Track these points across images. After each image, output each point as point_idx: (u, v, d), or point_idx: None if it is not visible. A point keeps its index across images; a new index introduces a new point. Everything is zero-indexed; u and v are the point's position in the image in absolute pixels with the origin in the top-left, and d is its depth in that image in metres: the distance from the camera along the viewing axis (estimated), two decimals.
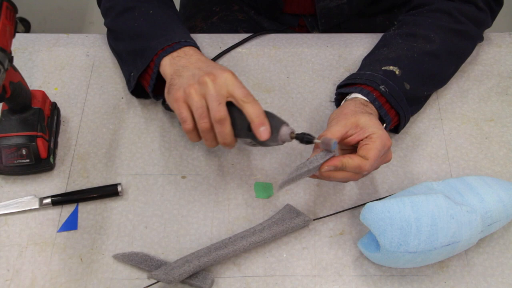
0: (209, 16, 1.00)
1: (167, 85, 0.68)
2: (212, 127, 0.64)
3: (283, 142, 0.63)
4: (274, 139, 0.63)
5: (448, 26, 0.76)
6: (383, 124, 0.70)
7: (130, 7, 0.77)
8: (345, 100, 0.72)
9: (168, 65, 0.70)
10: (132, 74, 0.76)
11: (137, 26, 0.76)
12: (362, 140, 0.64)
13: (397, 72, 0.72)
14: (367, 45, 0.87)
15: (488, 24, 0.81)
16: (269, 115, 0.63)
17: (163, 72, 0.70)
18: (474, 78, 0.84)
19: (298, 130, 0.64)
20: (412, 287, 0.66)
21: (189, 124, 0.65)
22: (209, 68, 0.66)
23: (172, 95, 0.65)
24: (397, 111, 0.71)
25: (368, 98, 0.70)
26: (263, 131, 0.61)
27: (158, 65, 0.71)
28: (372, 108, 0.69)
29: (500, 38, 0.88)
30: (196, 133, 0.66)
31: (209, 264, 0.65)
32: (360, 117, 0.65)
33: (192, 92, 0.63)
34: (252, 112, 0.61)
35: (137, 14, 0.76)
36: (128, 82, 0.78)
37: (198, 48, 0.74)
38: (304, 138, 0.62)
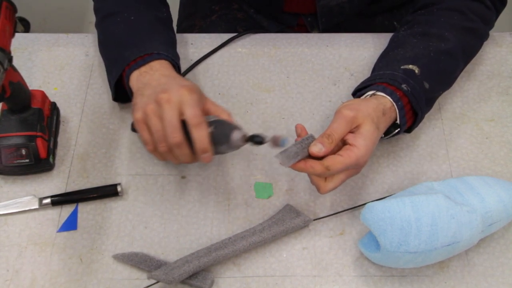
0: (208, 14, 1.00)
1: (132, 103, 0.68)
2: (171, 149, 0.64)
3: (238, 147, 0.63)
4: (228, 146, 0.63)
5: (460, 24, 0.75)
6: (393, 131, 0.69)
7: (114, 12, 0.77)
8: (365, 96, 0.70)
9: (135, 80, 0.70)
10: (110, 80, 0.75)
11: (117, 33, 0.75)
12: (345, 143, 0.64)
13: (416, 71, 0.70)
14: (367, 45, 0.87)
15: (493, 23, 0.81)
16: (218, 124, 0.63)
17: (131, 86, 0.70)
18: (475, 78, 0.84)
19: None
20: (412, 287, 0.66)
21: (150, 146, 0.65)
22: (168, 85, 0.65)
23: (134, 115, 0.65)
24: (416, 111, 0.70)
25: (391, 98, 0.67)
26: (204, 158, 0.62)
27: (128, 77, 0.71)
28: (388, 117, 0.67)
29: (500, 38, 0.88)
30: (160, 154, 0.66)
31: (209, 264, 0.65)
32: (366, 124, 0.64)
33: (149, 113, 0.63)
34: (196, 137, 0.61)
35: (119, 20, 0.76)
36: (110, 89, 0.77)
37: (172, 60, 0.73)
38: (254, 139, 0.61)
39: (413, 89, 0.69)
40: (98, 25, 0.80)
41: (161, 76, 0.68)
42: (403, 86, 0.68)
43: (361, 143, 0.63)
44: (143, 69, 0.70)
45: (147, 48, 0.71)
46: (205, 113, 0.65)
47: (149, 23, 0.76)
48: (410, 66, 0.70)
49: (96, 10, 0.80)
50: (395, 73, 0.70)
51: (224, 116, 0.66)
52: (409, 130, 0.75)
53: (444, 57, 0.73)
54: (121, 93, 0.76)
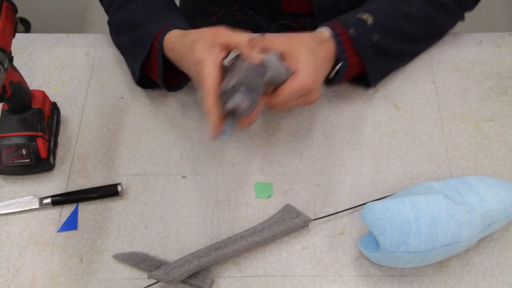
0: (207, 15, 1.00)
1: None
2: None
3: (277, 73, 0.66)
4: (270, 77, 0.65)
5: None
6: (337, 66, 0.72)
7: (127, 0, 0.78)
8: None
9: (174, 39, 0.70)
10: (135, 65, 0.76)
11: (135, 16, 0.76)
12: None
13: (370, 21, 0.73)
14: None
15: (470, 4, 0.83)
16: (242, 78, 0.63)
17: (169, 47, 0.70)
18: (474, 78, 0.84)
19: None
20: (412, 287, 0.66)
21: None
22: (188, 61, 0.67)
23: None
24: (362, 56, 0.73)
25: (331, 31, 0.71)
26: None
27: (161, 48, 0.71)
28: (327, 47, 0.71)
29: (500, 38, 0.88)
30: None
31: (209, 264, 0.65)
32: (301, 51, 0.67)
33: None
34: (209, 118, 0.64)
35: (134, 7, 0.77)
36: (133, 74, 0.78)
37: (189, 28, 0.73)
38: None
39: (359, 34, 0.72)
40: (113, 17, 0.81)
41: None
42: (350, 30, 0.72)
43: (303, 68, 0.65)
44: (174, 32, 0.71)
45: (169, 22, 0.72)
46: (227, 48, 0.65)
47: (164, 2, 0.78)
48: (365, 16, 0.73)
49: (108, 6, 0.81)
50: (348, 17, 0.74)
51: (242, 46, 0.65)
52: (366, 82, 0.79)
53: (404, 18, 0.76)
54: (143, 79, 0.78)
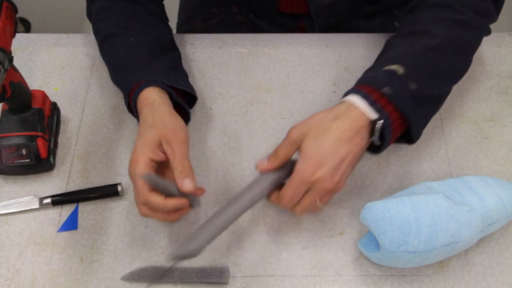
0: (208, 17, 1.00)
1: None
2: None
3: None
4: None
5: (448, 18, 0.71)
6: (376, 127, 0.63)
7: (111, 34, 0.76)
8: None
9: (140, 110, 0.69)
10: (122, 98, 0.76)
11: (116, 57, 0.76)
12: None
13: (401, 71, 0.66)
14: (367, 45, 0.87)
15: (493, 15, 0.76)
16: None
17: (140, 105, 0.69)
18: (474, 78, 0.84)
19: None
20: (412, 287, 0.66)
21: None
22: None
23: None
24: (403, 112, 0.64)
25: (367, 100, 0.63)
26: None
27: (135, 102, 0.70)
28: (346, 119, 0.62)
29: (500, 38, 0.88)
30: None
31: (224, 226, 0.62)
32: (305, 140, 0.62)
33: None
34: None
35: (117, 43, 0.75)
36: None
37: (166, 85, 0.70)
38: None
39: (397, 92, 0.63)
40: (100, 47, 0.80)
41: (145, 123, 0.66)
42: (385, 89, 0.63)
43: (302, 160, 0.61)
44: (141, 101, 0.69)
45: (144, 74, 0.70)
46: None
47: (146, 45, 0.75)
48: (393, 67, 0.66)
49: (95, 32, 0.80)
50: (375, 75, 0.66)
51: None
52: (410, 139, 0.69)
53: (433, 53, 0.68)
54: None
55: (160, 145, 0.64)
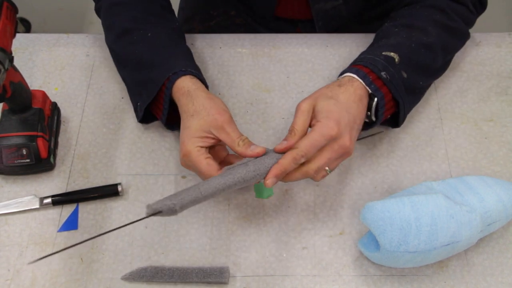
0: (206, 19, 1.00)
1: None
2: None
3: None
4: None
5: (442, 22, 0.77)
6: (371, 103, 0.68)
7: (128, 29, 0.76)
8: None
9: (182, 92, 0.69)
10: (138, 104, 0.75)
11: (139, 53, 0.74)
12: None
13: (396, 60, 0.71)
14: (367, 45, 0.87)
15: (473, 25, 0.83)
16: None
17: (176, 96, 0.69)
18: (474, 78, 0.84)
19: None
20: (412, 287, 0.66)
21: None
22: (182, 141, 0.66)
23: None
24: (396, 99, 0.70)
25: (364, 81, 0.68)
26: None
27: (169, 94, 0.70)
28: (349, 88, 0.67)
29: (499, 38, 0.88)
30: None
31: (209, 193, 0.60)
32: (319, 102, 0.65)
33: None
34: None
35: (136, 38, 0.75)
36: (135, 111, 0.76)
37: (196, 74, 0.72)
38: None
39: (392, 76, 0.69)
40: (113, 43, 0.79)
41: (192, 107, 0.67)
42: (383, 73, 0.69)
43: (322, 117, 0.63)
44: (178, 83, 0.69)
45: (175, 66, 0.71)
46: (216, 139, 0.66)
47: (167, 36, 0.76)
48: (392, 54, 0.71)
49: (108, 28, 0.79)
50: (376, 58, 0.70)
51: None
52: (396, 123, 0.74)
53: (424, 50, 0.74)
54: (146, 115, 0.76)
55: (207, 132, 0.65)
